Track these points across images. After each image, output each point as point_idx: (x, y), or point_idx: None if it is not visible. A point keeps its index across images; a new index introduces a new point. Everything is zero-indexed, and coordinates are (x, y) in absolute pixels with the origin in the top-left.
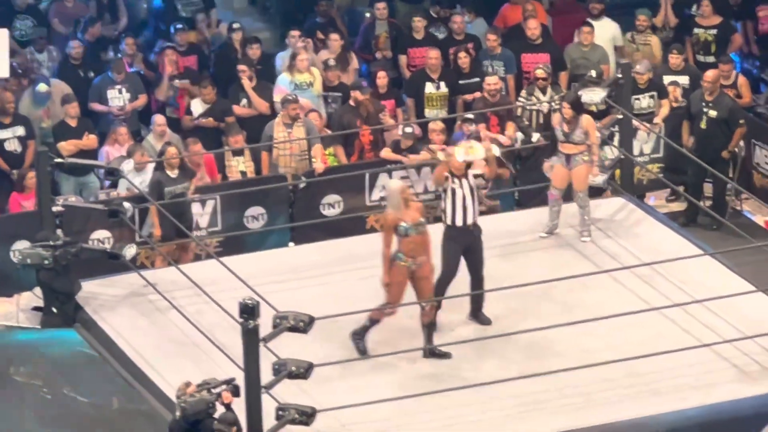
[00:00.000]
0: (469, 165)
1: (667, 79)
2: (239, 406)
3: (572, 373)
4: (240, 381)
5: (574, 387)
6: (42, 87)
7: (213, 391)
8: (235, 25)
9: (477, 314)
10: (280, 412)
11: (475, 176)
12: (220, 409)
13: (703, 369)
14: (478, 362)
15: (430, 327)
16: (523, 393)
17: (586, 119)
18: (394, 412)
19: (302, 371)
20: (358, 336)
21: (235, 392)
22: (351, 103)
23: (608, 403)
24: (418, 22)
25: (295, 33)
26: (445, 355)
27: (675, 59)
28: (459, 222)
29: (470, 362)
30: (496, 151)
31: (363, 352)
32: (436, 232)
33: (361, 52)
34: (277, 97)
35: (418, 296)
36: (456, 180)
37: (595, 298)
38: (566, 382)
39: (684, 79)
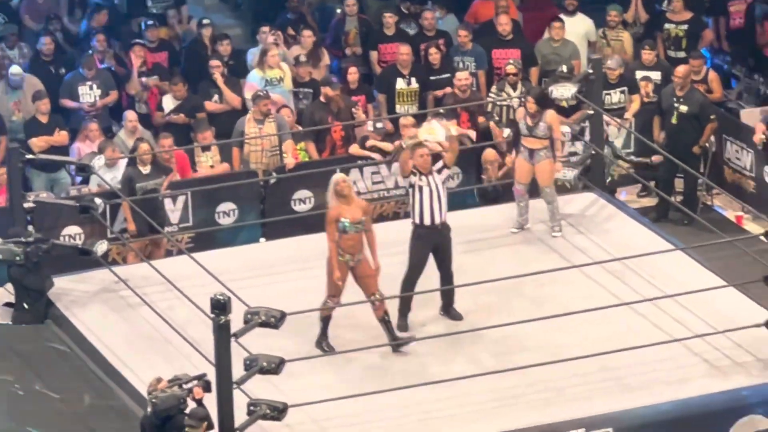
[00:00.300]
0: (435, 161)
1: (639, 74)
2: (211, 401)
3: (544, 369)
4: (211, 376)
5: (545, 382)
6: (15, 69)
7: (184, 386)
8: (205, 21)
9: (448, 310)
10: (252, 408)
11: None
12: (191, 405)
13: (675, 364)
14: (449, 358)
15: (385, 321)
16: (494, 388)
17: (550, 114)
18: (366, 408)
19: (273, 367)
20: (320, 341)
21: (207, 387)
22: (321, 99)
23: (580, 398)
24: (389, 18)
25: (266, 29)
26: (408, 342)
27: (648, 55)
28: (427, 221)
29: (442, 358)
30: (454, 131)
31: (332, 350)
32: (405, 229)
33: (331, 48)
34: (247, 94)
35: (364, 293)
36: (423, 178)
37: (566, 293)
38: (538, 377)
39: (656, 75)
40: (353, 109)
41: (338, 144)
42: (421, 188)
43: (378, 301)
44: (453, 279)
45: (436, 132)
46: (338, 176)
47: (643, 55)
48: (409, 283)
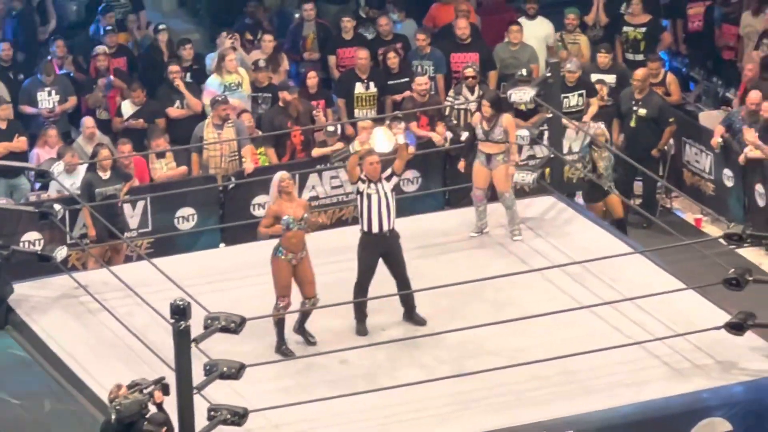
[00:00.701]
0: (385, 168)
1: (594, 77)
2: (171, 406)
3: (504, 372)
4: (171, 382)
5: (505, 386)
6: None
7: (145, 391)
8: (161, 26)
9: (411, 315)
10: (212, 413)
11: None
12: (152, 409)
13: (635, 367)
14: (409, 362)
15: (304, 314)
16: (455, 392)
17: (506, 118)
18: (326, 413)
19: (234, 372)
20: (280, 346)
21: (165, 391)
22: (280, 104)
23: (540, 402)
24: (347, 23)
25: (225, 34)
26: (313, 342)
27: (603, 58)
28: (375, 229)
29: (401, 362)
30: (401, 139)
31: (292, 354)
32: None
33: (289, 52)
34: (206, 99)
35: (303, 294)
36: (372, 185)
37: (526, 297)
38: (498, 381)
39: (611, 78)
40: (314, 112)
41: (298, 148)
42: (369, 196)
43: (313, 304)
44: (409, 284)
45: (382, 141)
46: (282, 174)
47: (598, 59)
48: (360, 289)
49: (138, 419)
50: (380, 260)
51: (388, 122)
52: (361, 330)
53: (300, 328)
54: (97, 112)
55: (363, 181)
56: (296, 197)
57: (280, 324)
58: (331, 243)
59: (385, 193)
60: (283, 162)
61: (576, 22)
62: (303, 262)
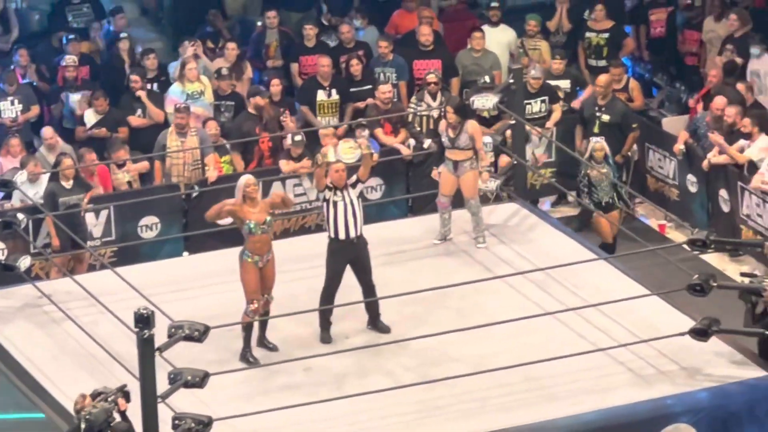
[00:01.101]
0: (349, 175)
1: (550, 83)
2: (136, 416)
3: (468, 379)
4: (136, 391)
5: (470, 393)
6: None
7: (109, 399)
8: (122, 35)
9: (375, 322)
10: (176, 422)
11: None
12: (116, 417)
13: (599, 373)
14: (373, 370)
15: (248, 330)
16: (418, 400)
17: (471, 124)
18: (291, 420)
19: (198, 380)
20: (245, 353)
21: (128, 398)
22: (250, 110)
23: (504, 409)
24: (310, 30)
25: (187, 42)
26: (274, 349)
27: (557, 65)
28: (342, 235)
29: (365, 370)
30: (366, 148)
31: (257, 362)
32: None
33: (252, 60)
34: (168, 108)
35: (262, 289)
36: (338, 192)
37: (490, 303)
38: (462, 388)
39: (565, 84)
40: (281, 118)
41: (266, 155)
42: (335, 203)
43: (266, 300)
44: (375, 291)
45: (344, 151)
46: (248, 179)
47: (552, 65)
48: (327, 296)
49: (105, 428)
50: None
51: (354, 136)
52: (326, 338)
53: (260, 338)
54: (64, 120)
55: (329, 189)
56: (260, 201)
57: (248, 329)
58: (294, 251)
59: (351, 200)
60: (250, 169)
61: (537, 28)
62: (269, 265)
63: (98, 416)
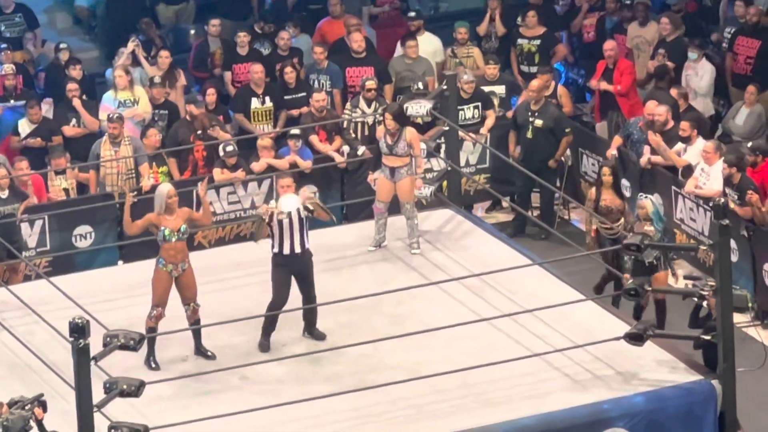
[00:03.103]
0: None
1: (484, 89)
2: (71, 425)
3: (404, 386)
4: (72, 400)
5: (406, 399)
6: None
7: (26, 408)
8: (62, 45)
9: (311, 330)
10: (113, 431)
11: None
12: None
13: (535, 378)
14: (310, 377)
15: (196, 331)
16: (355, 406)
17: (409, 131)
18: (227, 429)
19: (133, 389)
20: (149, 358)
21: (44, 407)
22: (187, 117)
23: (441, 415)
24: (243, 38)
25: (123, 49)
26: (212, 357)
27: (491, 70)
28: (286, 250)
29: (302, 377)
30: (311, 204)
31: (158, 368)
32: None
33: (195, 70)
34: (102, 115)
35: (182, 300)
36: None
37: (426, 310)
38: (398, 395)
39: (500, 89)
40: (209, 131)
41: (200, 164)
42: (280, 220)
43: (193, 309)
44: (315, 301)
45: (284, 204)
46: (169, 190)
47: (486, 70)
48: (274, 307)
49: None
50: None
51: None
52: (264, 346)
53: (197, 347)
54: None
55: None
56: (178, 209)
57: (150, 332)
58: (229, 258)
59: (298, 215)
60: (185, 177)
61: (467, 35)
62: (185, 274)
63: (16, 423)
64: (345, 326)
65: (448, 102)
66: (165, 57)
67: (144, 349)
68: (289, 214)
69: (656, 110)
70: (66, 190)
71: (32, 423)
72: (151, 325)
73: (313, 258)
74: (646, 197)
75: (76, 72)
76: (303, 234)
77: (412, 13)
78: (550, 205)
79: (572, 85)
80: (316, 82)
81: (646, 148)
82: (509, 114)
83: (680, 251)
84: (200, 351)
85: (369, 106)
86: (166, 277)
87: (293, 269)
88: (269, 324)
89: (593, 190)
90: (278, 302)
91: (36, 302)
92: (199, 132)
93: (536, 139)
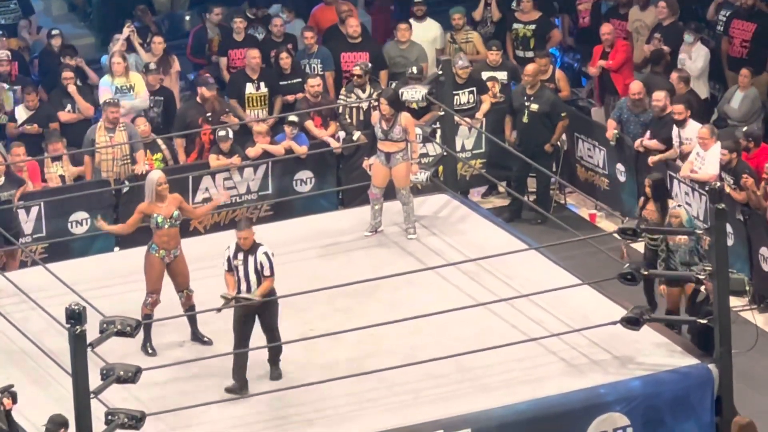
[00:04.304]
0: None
1: (485, 74)
2: (68, 411)
3: (401, 371)
4: (68, 387)
5: (403, 384)
6: None
7: None
8: (54, 32)
9: (273, 364)
10: (110, 417)
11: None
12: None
13: (532, 363)
14: (306, 363)
15: (190, 312)
16: (352, 392)
17: (405, 116)
18: (224, 415)
19: (130, 375)
20: (145, 344)
21: (14, 399)
22: (198, 100)
23: (438, 400)
24: (240, 24)
25: (118, 36)
26: (208, 342)
27: (493, 56)
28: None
29: (298, 363)
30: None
31: (155, 354)
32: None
33: (193, 56)
34: (101, 98)
35: (176, 287)
36: (240, 255)
37: (422, 295)
38: (395, 380)
39: (502, 75)
40: (222, 117)
41: (206, 147)
42: (237, 267)
43: (187, 295)
44: (279, 337)
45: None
46: (159, 177)
47: (488, 56)
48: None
49: None
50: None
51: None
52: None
53: (193, 333)
54: None
55: (236, 258)
56: (169, 196)
57: (146, 319)
58: (224, 244)
59: (255, 262)
60: (191, 159)
61: (462, 21)
62: (177, 260)
63: None
64: (341, 311)
65: (444, 87)
66: (158, 43)
67: (140, 335)
68: (246, 259)
69: (656, 94)
70: (62, 177)
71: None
72: (147, 312)
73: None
74: (679, 206)
75: (74, 61)
76: (260, 278)
77: None
78: (546, 189)
79: (568, 69)
80: (307, 67)
81: (647, 134)
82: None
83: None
84: (197, 337)
85: (363, 91)
86: (158, 263)
87: (254, 312)
88: (239, 367)
89: (642, 198)
90: (239, 346)
91: (32, 289)
92: (209, 114)
93: (532, 123)
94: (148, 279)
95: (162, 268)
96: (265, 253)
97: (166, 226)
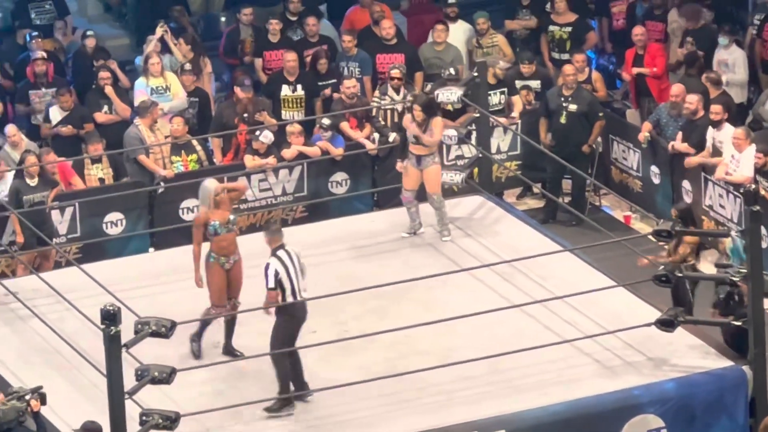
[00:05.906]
0: None
1: (519, 84)
2: (103, 412)
3: (435, 372)
4: (103, 387)
5: (437, 386)
6: None
7: (22, 399)
8: (89, 33)
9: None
10: (144, 418)
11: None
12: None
13: (565, 365)
14: (341, 363)
15: (229, 324)
16: (386, 393)
17: (436, 121)
18: (258, 416)
19: (165, 376)
20: (195, 337)
21: (43, 400)
22: (234, 99)
23: (471, 401)
24: (275, 25)
25: (151, 36)
26: (240, 356)
27: (526, 68)
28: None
29: (333, 364)
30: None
31: (197, 356)
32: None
33: (226, 57)
34: (137, 100)
35: (229, 293)
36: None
37: (456, 296)
38: (429, 381)
39: (535, 84)
40: (256, 115)
41: (242, 147)
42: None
43: (233, 305)
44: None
45: None
46: (216, 186)
47: (522, 68)
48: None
49: (15, 426)
50: None
51: (318, 126)
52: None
53: (225, 346)
54: (32, 117)
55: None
56: (227, 201)
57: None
58: (262, 245)
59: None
60: (227, 160)
61: (486, 25)
62: (235, 268)
63: (7, 414)
64: (375, 312)
65: (479, 89)
66: (184, 45)
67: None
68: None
69: (689, 97)
70: (101, 180)
71: (27, 415)
72: (213, 316)
73: None
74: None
75: (110, 63)
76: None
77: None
78: (581, 191)
79: (603, 71)
80: (345, 69)
81: (679, 135)
82: None
83: (711, 237)
84: (229, 350)
85: (397, 93)
86: (220, 272)
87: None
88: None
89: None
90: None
91: (67, 289)
92: (245, 115)
93: (570, 124)
94: (212, 292)
95: (225, 276)
96: (267, 264)
97: (224, 232)
